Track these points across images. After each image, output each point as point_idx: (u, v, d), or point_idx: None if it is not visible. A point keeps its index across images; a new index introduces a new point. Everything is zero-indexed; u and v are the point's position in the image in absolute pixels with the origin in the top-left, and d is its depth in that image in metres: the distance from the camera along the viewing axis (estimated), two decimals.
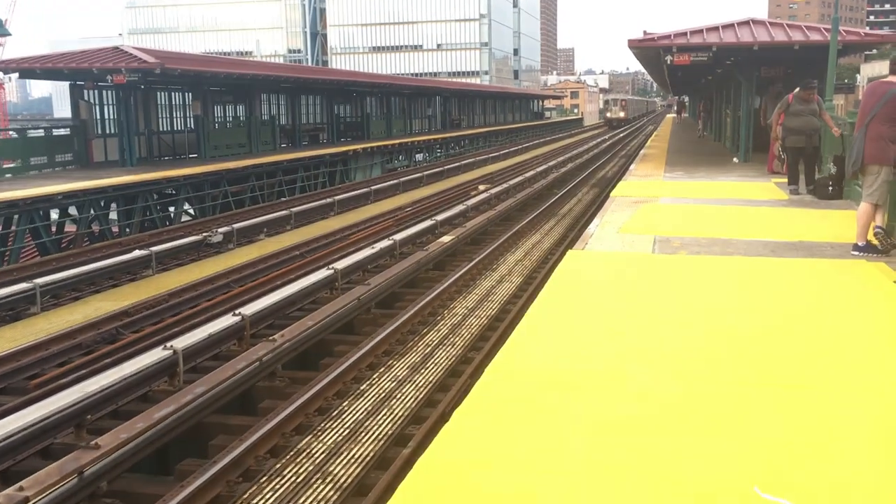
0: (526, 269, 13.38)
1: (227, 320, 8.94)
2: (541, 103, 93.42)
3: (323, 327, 9.46)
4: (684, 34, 16.47)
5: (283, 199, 23.32)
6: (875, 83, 8.16)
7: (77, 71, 19.25)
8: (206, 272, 13.27)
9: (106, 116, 22.19)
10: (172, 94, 25.07)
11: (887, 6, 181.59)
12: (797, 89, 12.46)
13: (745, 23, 17.43)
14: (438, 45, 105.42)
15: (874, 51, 55.79)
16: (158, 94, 24.55)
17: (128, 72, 18.10)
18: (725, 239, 8.36)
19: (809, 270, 6.79)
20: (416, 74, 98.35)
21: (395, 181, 25.65)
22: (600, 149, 44.83)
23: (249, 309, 9.52)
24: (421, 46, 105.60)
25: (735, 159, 18.80)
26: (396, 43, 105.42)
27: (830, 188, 11.45)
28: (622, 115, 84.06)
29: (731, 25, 17.23)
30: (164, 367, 7.58)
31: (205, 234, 15.07)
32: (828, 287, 6.18)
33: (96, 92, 21.56)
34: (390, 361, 8.41)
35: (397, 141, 35.20)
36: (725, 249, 7.78)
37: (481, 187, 25.30)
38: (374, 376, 7.95)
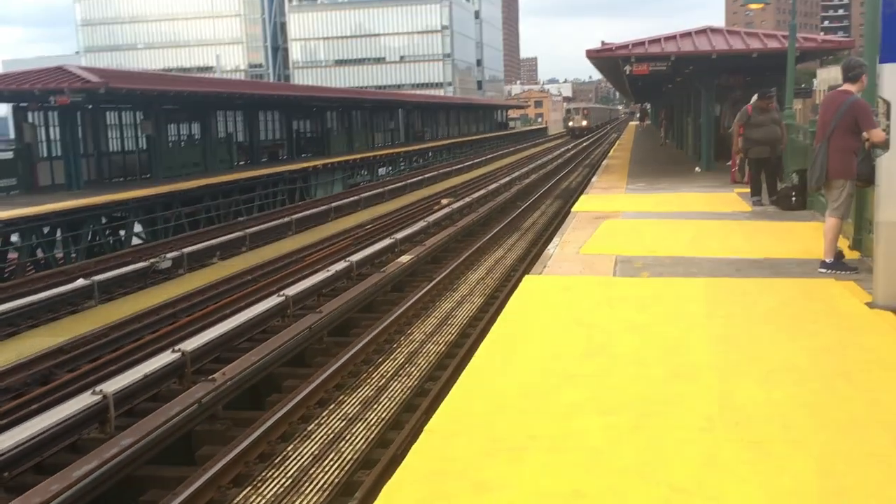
0: (488, 287, 12.96)
1: (165, 358, 8.38)
2: (505, 113, 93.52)
3: (271, 360, 8.92)
4: (642, 44, 16.21)
5: (241, 219, 22.72)
6: (832, 93, 7.87)
7: (18, 93, 18.52)
8: (153, 301, 12.70)
9: (52, 138, 21.42)
10: (123, 113, 24.34)
11: (840, 11, 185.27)
12: (755, 98, 12.20)
13: (703, 31, 17.24)
14: (401, 58, 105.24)
15: (830, 56, 56.43)
16: (108, 113, 23.82)
17: (71, 92, 17.41)
18: (689, 257, 7.99)
19: (777, 292, 6.42)
20: (380, 87, 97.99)
21: (356, 197, 25.17)
22: (564, 158, 44.71)
23: (191, 344, 8.98)
24: (384, 59, 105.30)
25: (697, 168, 18.59)
26: (359, 56, 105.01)
27: (793, 199, 11.20)
28: (584, 123, 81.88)
29: (688, 34, 17.03)
30: (92, 413, 7.01)
31: (152, 259, 14.44)
32: (797, 312, 5.80)
33: (41, 113, 20.81)
34: (341, 397, 7.92)
35: (359, 156, 34.70)
36: (689, 269, 7.40)
37: (444, 201, 24.92)
38: (324, 414, 7.46)
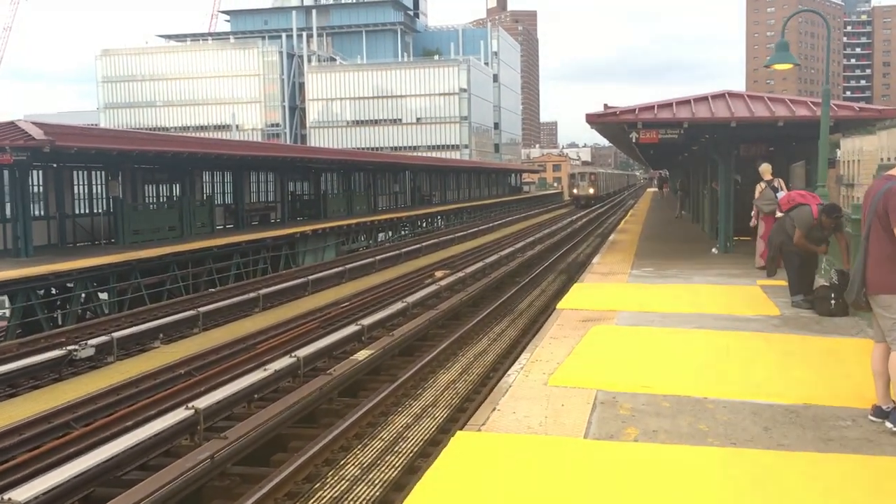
0: (458, 395, 10.72)
1: None
2: (519, 177, 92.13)
3: None
4: (651, 108, 14.16)
5: (212, 290, 20.69)
6: (874, 181, 5.75)
7: None
8: (61, 400, 10.66)
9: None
10: (93, 172, 22.61)
11: (863, 82, 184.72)
12: (819, 210, 9.43)
13: (721, 95, 15.21)
14: (418, 119, 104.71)
15: (870, 126, 54.32)
16: (76, 173, 22.10)
17: (13, 150, 15.61)
18: (698, 399, 5.75)
19: (831, 487, 4.16)
20: (396, 148, 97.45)
21: (341, 268, 23.10)
22: (576, 226, 42.63)
23: (43, 484, 6.84)
24: (401, 120, 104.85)
25: (714, 250, 16.37)
26: (377, 116, 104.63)
27: (833, 302, 8.95)
28: (591, 191, 70.77)
29: (704, 98, 14.98)
30: None
31: (70, 347, 12.34)
32: None
33: None
34: None
35: (354, 220, 32.77)
36: (696, 426, 5.16)
37: (438, 273, 22.88)
38: None
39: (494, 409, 5.58)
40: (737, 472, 4.34)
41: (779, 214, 10.84)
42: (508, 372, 6.63)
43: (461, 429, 5.35)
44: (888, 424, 5.12)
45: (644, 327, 8.42)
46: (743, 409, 5.50)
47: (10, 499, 6.35)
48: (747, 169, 16.59)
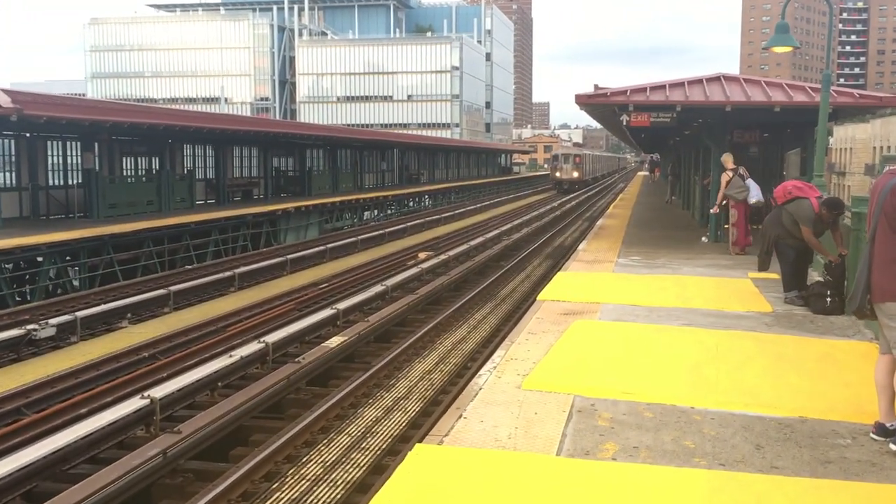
0: (433, 386, 10.24)
1: None
2: (509, 158, 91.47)
3: None
4: (643, 90, 13.60)
5: (188, 267, 20.11)
6: (879, 177, 5.22)
7: None
8: (15, 383, 10.20)
9: None
10: (68, 143, 21.89)
11: (857, 70, 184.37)
12: (819, 202, 8.84)
13: (716, 79, 14.67)
14: (409, 97, 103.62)
15: (868, 115, 53.73)
16: (50, 142, 21.37)
17: None
18: (684, 409, 5.27)
19: None
20: (387, 125, 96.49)
21: (322, 247, 22.55)
22: (565, 209, 42.14)
23: None
24: (391, 97, 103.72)
25: (704, 238, 15.91)
26: (367, 93, 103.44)
27: (829, 300, 8.49)
28: (576, 175, 63.11)
29: (698, 81, 14.44)
30: None
31: (29, 326, 11.77)
32: None
33: None
34: None
35: (339, 198, 32.14)
36: (680, 441, 4.68)
37: (422, 255, 22.43)
38: None
39: (461, 417, 5.08)
40: (725, 500, 3.86)
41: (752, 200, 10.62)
42: (480, 372, 6.13)
43: (421, 440, 4.84)
44: (892, 446, 4.65)
45: (629, 323, 7.93)
46: (733, 423, 5.02)
47: None
48: (741, 156, 16.14)
